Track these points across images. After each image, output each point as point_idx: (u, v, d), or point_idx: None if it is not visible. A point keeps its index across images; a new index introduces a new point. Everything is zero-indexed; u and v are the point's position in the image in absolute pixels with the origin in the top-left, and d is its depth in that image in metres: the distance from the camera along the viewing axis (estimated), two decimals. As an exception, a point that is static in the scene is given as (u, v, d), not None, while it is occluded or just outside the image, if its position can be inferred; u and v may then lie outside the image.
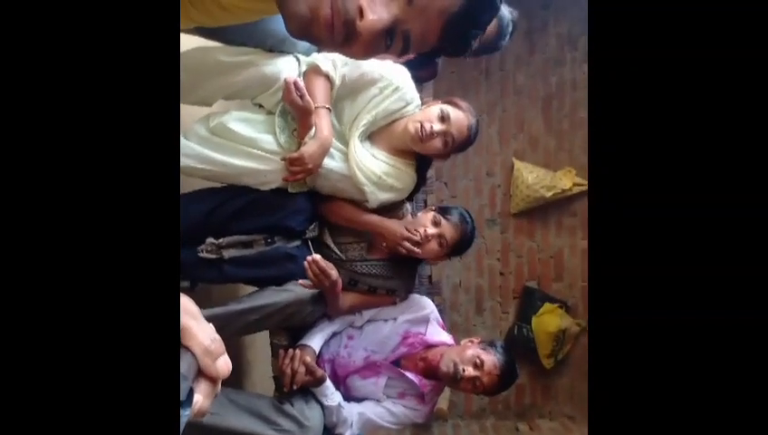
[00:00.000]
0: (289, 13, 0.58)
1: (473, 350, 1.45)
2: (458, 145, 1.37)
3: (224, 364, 0.44)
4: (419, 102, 1.42)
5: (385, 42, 0.60)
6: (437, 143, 1.34)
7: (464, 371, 1.41)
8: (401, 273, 1.51)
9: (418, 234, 1.38)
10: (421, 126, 1.31)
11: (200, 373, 0.43)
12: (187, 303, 0.44)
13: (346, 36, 0.58)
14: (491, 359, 1.43)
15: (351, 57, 0.65)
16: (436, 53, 0.65)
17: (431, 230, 1.39)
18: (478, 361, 1.42)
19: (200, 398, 0.42)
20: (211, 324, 0.45)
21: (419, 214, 1.49)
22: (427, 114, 1.34)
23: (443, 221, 1.40)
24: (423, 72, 1.85)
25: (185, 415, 0.40)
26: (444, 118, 1.33)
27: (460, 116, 1.35)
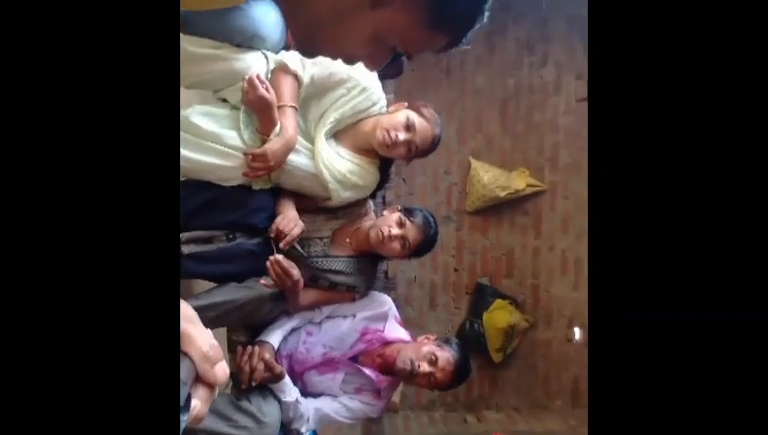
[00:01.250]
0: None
1: (428, 347, 1.49)
2: (421, 152, 1.42)
3: (221, 370, 0.44)
4: (385, 103, 1.44)
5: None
6: (401, 150, 1.38)
7: (419, 367, 1.44)
8: (362, 270, 1.53)
9: (382, 233, 1.40)
10: (387, 133, 1.35)
11: (198, 379, 0.43)
12: (185, 308, 0.43)
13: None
14: (445, 356, 1.47)
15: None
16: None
17: (395, 231, 1.41)
18: (433, 357, 1.46)
19: (198, 403, 0.42)
20: (209, 330, 0.44)
21: (385, 212, 1.51)
22: (394, 121, 1.37)
23: (407, 223, 1.43)
24: (389, 69, 1.87)
25: (183, 420, 0.40)
26: (409, 127, 1.36)
27: (425, 126, 1.39)
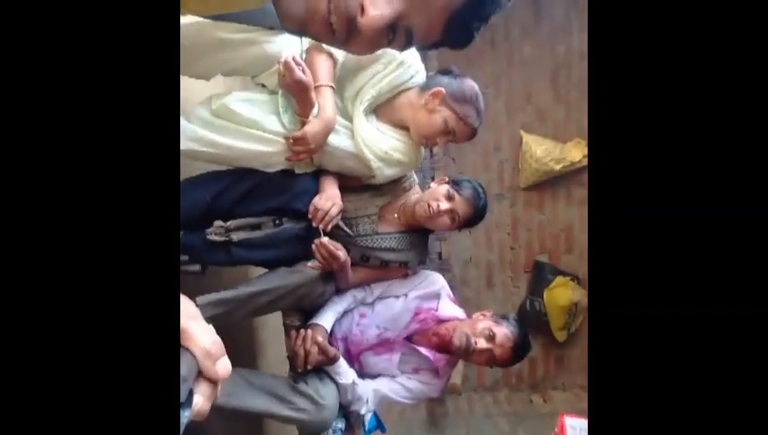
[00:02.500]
0: (283, 10, 0.56)
1: (485, 322, 1.45)
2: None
3: (223, 366, 0.44)
4: (424, 73, 1.39)
5: (387, 37, 0.59)
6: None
7: (476, 343, 1.41)
8: (413, 244, 1.50)
9: (432, 208, 1.37)
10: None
11: (200, 375, 0.43)
12: (186, 304, 0.44)
13: (347, 33, 0.56)
14: (503, 331, 1.43)
15: (353, 53, 0.63)
16: (437, 45, 0.63)
17: (444, 205, 1.37)
18: (490, 333, 1.42)
19: (200, 399, 0.42)
20: (211, 326, 0.44)
21: (432, 185, 1.48)
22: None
23: (456, 196, 1.39)
24: None
25: (185, 416, 0.40)
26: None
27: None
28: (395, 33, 0.59)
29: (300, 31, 0.58)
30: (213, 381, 0.43)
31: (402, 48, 0.62)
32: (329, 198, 1.31)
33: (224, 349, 0.44)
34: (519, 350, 1.45)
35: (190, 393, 0.41)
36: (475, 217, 1.43)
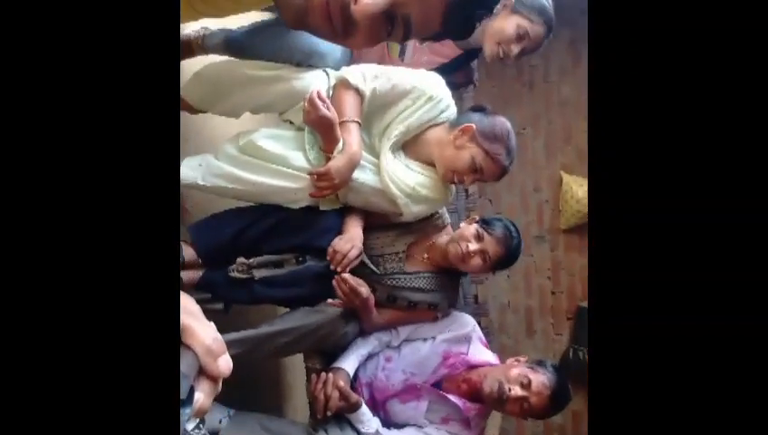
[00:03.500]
0: (283, 4, 0.55)
1: (519, 369, 1.36)
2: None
3: (225, 363, 0.43)
4: (455, 109, 1.36)
5: (386, 28, 0.58)
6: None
7: (510, 390, 1.31)
8: (443, 286, 1.44)
9: (460, 249, 1.32)
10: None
11: (201, 372, 0.42)
12: (187, 302, 0.44)
13: (345, 24, 0.55)
14: (539, 378, 1.33)
15: (354, 48, 0.63)
16: (439, 37, 0.62)
17: (473, 247, 1.33)
18: (525, 380, 1.32)
19: (201, 397, 0.42)
20: (212, 323, 0.44)
21: (462, 225, 1.43)
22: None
23: (486, 235, 1.34)
24: (457, 75, 1.80)
25: (186, 414, 0.40)
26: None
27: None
28: (393, 25, 0.58)
29: (300, 24, 0.57)
30: (214, 379, 0.43)
31: (402, 40, 0.61)
32: (349, 240, 1.28)
33: (224, 346, 0.44)
34: (557, 399, 1.34)
35: (191, 391, 0.41)
36: (507, 257, 1.37)
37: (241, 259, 1.27)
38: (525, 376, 1.33)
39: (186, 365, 0.40)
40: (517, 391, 1.31)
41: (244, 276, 1.27)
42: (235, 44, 1.28)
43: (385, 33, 0.58)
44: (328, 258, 1.26)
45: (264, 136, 1.28)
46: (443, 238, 1.42)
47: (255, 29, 1.29)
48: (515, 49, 1.52)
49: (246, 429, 1.25)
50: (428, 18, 0.58)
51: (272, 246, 1.29)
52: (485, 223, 1.38)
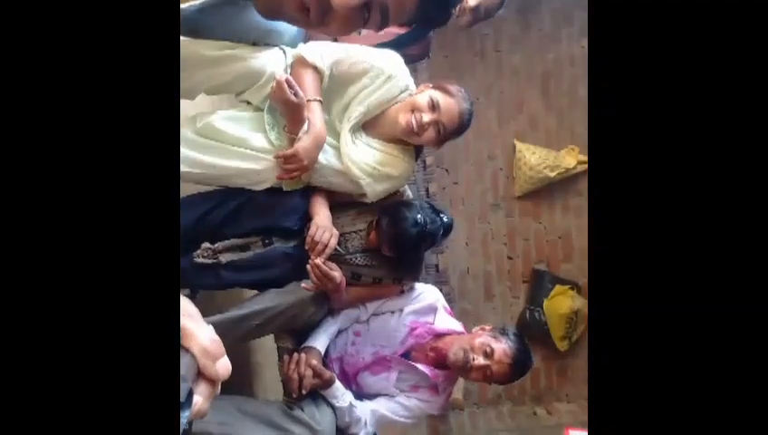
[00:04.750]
0: None
1: (483, 338, 1.41)
2: (451, 132, 1.31)
3: (223, 366, 0.43)
4: (414, 87, 1.36)
5: (362, 15, 0.57)
6: (430, 133, 1.29)
7: (473, 359, 1.37)
8: (407, 260, 1.45)
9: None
10: (411, 117, 1.26)
11: (200, 375, 0.43)
12: (186, 304, 0.44)
13: (321, 14, 0.54)
14: (501, 347, 1.39)
15: (330, 35, 0.61)
16: (416, 22, 0.61)
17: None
18: (488, 349, 1.38)
19: (200, 399, 0.42)
20: (210, 326, 0.44)
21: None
22: (416, 104, 1.28)
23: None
24: (415, 48, 1.79)
25: (184, 416, 0.40)
26: (434, 106, 1.27)
27: (450, 102, 1.29)
28: (369, 12, 0.57)
29: (273, 14, 0.56)
30: (212, 381, 0.43)
31: (378, 27, 0.60)
32: (325, 228, 1.27)
33: (223, 348, 0.44)
34: (518, 366, 1.41)
35: (190, 393, 0.41)
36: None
37: (206, 244, 1.26)
38: (488, 345, 1.38)
39: (184, 368, 0.40)
40: (480, 360, 1.37)
41: (210, 261, 1.26)
42: (189, 23, 1.23)
43: (361, 21, 0.57)
44: (306, 247, 1.26)
45: (222, 118, 1.25)
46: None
47: (208, 7, 1.23)
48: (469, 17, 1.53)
49: (223, 412, 1.26)
50: (405, 5, 0.58)
51: (236, 229, 1.28)
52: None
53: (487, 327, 1.47)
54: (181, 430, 0.39)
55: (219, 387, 0.44)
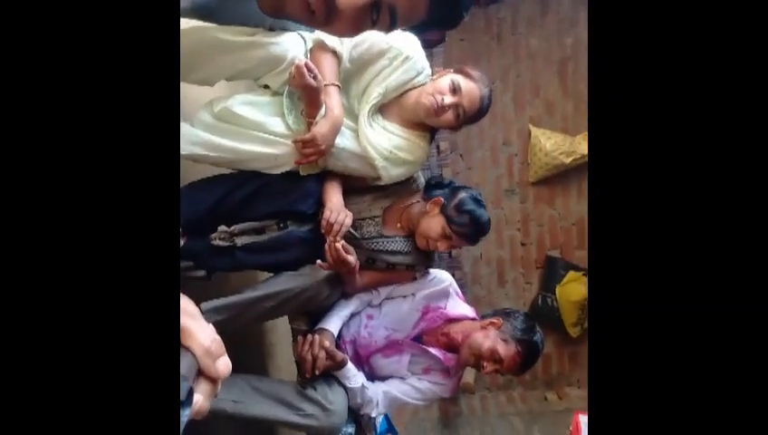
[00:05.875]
0: None
1: (491, 341, 1.41)
2: (470, 116, 1.33)
3: (223, 365, 0.44)
4: (430, 71, 1.36)
5: (370, 17, 0.56)
6: (450, 116, 1.31)
7: (484, 367, 1.41)
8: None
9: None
10: (433, 98, 1.28)
11: (200, 374, 0.43)
12: (186, 303, 0.44)
13: (327, 13, 0.53)
14: (510, 353, 1.40)
15: (336, 35, 0.60)
16: (427, 24, 0.60)
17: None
18: (497, 356, 1.40)
19: (200, 398, 0.42)
20: (211, 325, 0.44)
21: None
22: (438, 86, 1.30)
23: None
24: (432, 34, 1.78)
25: (185, 415, 0.40)
26: (455, 89, 1.29)
27: (471, 87, 1.30)
28: (378, 13, 0.56)
29: (277, 12, 0.55)
30: (213, 380, 0.44)
31: (387, 29, 0.59)
32: (340, 210, 1.29)
33: (223, 348, 0.44)
34: (527, 363, 1.44)
35: (190, 392, 0.41)
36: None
37: (222, 227, 1.28)
38: (497, 353, 1.39)
39: (185, 367, 0.41)
40: (490, 367, 1.40)
41: (227, 244, 1.28)
42: (203, 8, 1.24)
43: (369, 22, 0.56)
44: (323, 231, 1.27)
45: (240, 102, 1.26)
46: (416, 206, 1.42)
47: (222, -8, 1.24)
48: None
49: (236, 389, 1.29)
50: (415, 7, 0.56)
51: (253, 212, 1.29)
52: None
53: (497, 322, 1.46)
54: (181, 429, 0.40)
55: (219, 386, 0.44)
